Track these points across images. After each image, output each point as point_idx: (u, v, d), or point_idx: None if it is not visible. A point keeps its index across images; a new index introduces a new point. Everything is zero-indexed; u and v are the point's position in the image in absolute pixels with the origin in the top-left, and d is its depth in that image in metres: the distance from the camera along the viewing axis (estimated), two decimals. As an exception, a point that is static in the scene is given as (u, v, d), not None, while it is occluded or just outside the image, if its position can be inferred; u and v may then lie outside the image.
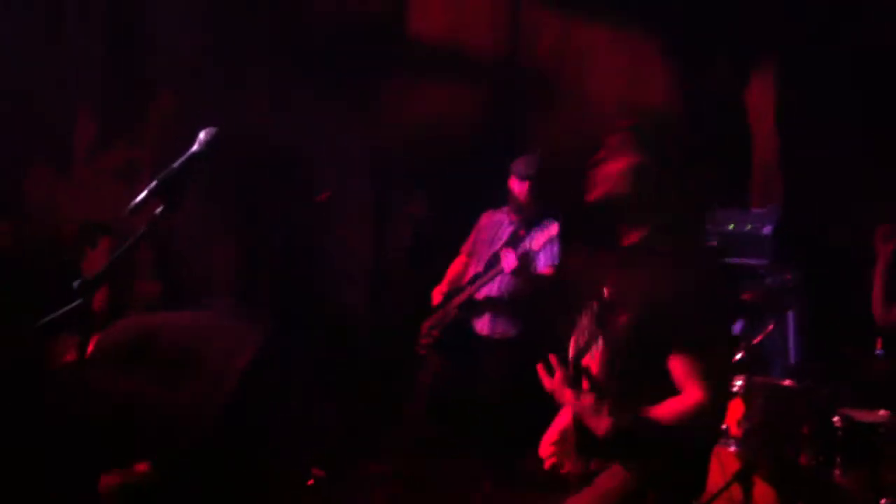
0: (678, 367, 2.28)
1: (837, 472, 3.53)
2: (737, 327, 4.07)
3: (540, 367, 2.34)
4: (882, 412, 3.57)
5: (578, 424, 2.37)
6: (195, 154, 2.15)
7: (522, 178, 4.37)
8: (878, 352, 3.84)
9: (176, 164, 2.14)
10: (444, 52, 5.65)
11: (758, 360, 3.87)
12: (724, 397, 2.44)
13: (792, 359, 4.47)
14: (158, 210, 2.10)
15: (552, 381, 2.31)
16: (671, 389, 2.30)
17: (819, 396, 3.65)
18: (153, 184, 2.12)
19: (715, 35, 5.22)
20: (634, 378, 2.36)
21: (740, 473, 3.43)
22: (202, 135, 2.20)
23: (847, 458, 3.52)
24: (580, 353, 2.48)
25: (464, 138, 5.41)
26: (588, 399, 2.25)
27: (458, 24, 5.67)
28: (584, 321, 2.56)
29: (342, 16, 5.61)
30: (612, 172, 2.42)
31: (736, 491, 3.43)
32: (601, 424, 2.24)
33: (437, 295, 4.60)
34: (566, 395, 2.28)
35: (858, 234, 4.15)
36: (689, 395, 2.27)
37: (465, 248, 4.72)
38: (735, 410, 3.72)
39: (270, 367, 2.96)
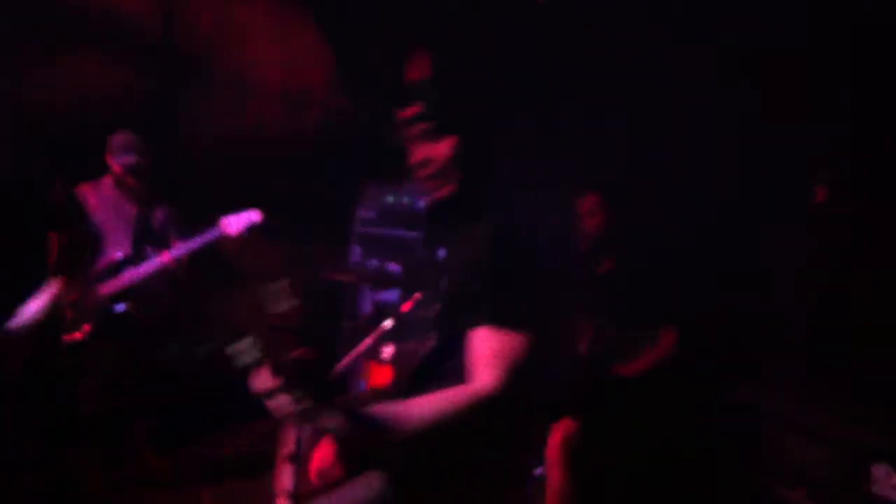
0: (477, 343, 1.86)
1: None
2: (393, 296, 4.27)
3: None
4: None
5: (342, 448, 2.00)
6: None
7: None
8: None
9: None
10: (97, 23, 5.30)
11: (409, 327, 4.06)
12: (522, 387, 1.84)
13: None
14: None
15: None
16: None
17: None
18: None
19: (368, 20, 5.35)
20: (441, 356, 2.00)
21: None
22: None
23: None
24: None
25: (117, 116, 5.13)
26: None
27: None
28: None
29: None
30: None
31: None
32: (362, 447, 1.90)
33: None
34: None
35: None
36: (478, 380, 1.84)
37: None
38: (386, 376, 3.92)
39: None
